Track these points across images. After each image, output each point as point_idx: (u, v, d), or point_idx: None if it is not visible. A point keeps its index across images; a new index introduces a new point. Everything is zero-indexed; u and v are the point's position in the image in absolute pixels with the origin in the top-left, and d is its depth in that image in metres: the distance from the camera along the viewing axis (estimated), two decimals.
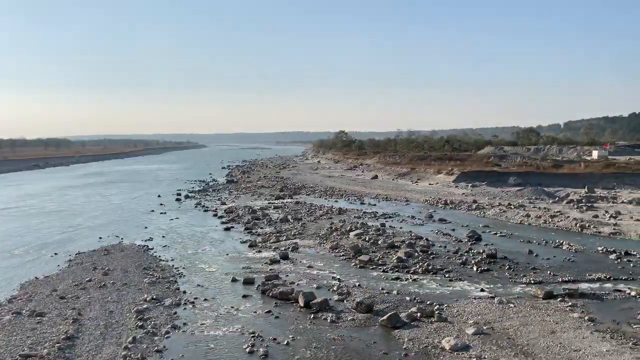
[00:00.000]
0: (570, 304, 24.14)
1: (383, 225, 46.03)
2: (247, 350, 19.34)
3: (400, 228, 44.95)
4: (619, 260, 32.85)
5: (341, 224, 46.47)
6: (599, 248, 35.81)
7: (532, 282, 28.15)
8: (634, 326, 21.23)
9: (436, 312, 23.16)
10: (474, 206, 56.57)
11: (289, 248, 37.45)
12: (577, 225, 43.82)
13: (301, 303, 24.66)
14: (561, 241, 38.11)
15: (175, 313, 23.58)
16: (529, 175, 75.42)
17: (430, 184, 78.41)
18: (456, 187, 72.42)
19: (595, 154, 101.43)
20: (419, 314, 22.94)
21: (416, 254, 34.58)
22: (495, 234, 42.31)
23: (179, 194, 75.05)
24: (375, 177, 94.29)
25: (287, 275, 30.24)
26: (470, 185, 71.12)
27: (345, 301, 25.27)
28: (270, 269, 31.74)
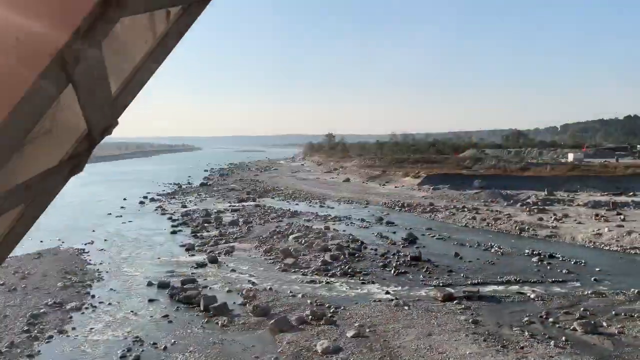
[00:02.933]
0: (464, 306, 24.44)
1: (327, 228, 46.28)
2: (120, 354, 19.57)
3: (343, 231, 45.20)
4: (539, 262, 33.16)
5: (287, 227, 46.70)
6: (527, 251, 36.13)
7: (441, 284, 28.43)
8: (514, 329, 21.53)
9: (328, 315, 23.44)
10: (428, 209, 56.86)
11: (222, 251, 37.70)
12: (517, 228, 44.16)
13: (201, 307, 24.91)
14: (492, 244, 38.42)
15: (70, 317, 23.80)
16: (494, 178, 75.60)
17: (396, 187, 78.77)
18: (419, 189, 72.76)
19: (571, 157, 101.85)
20: (310, 317, 23.20)
21: (342, 256, 34.84)
22: (434, 236, 42.61)
23: (145, 197, 75.17)
24: (347, 179, 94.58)
25: (204, 279, 30.48)
26: (432, 188, 71.47)
27: (247, 305, 25.53)
28: (192, 273, 31.96)
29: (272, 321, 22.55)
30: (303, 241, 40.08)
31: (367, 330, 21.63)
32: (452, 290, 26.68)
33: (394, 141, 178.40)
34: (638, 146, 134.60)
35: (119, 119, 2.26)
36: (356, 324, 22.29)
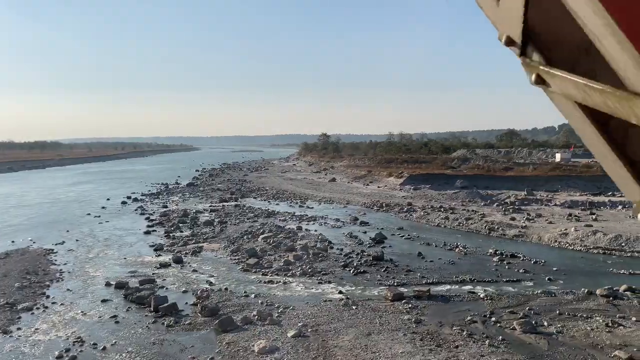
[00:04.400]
0: (411, 306, 24.59)
1: (299, 228, 46.43)
2: (57, 355, 19.69)
3: (315, 231, 45.33)
4: (500, 262, 33.31)
5: (260, 227, 46.84)
6: (490, 250, 36.27)
7: (396, 284, 28.58)
8: (454, 328, 21.67)
9: (275, 315, 23.58)
10: (405, 209, 57.02)
11: (189, 252, 37.84)
12: (487, 227, 44.31)
13: (152, 307, 25.04)
14: (459, 243, 38.57)
15: (19, 318, 23.91)
16: (477, 178, 75.90)
17: (378, 187, 78.94)
18: (401, 189, 72.94)
19: (558, 157, 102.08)
20: (256, 317, 23.34)
21: (306, 256, 34.98)
22: (403, 236, 42.77)
23: (128, 197, 75.29)
24: (333, 179, 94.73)
25: (164, 280, 30.60)
26: (413, 188, 71.65)
27: (198, 305, 25.65)
28: (153, 273, 32.09)
29: (217, 321, 22.71)
30: (271, 241, 40.22)
31: (309, 330, 21.77)
32: (404, 290, 26.84)
33: (388, 141, 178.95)
34: None
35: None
36: (299, 324, 22.43)
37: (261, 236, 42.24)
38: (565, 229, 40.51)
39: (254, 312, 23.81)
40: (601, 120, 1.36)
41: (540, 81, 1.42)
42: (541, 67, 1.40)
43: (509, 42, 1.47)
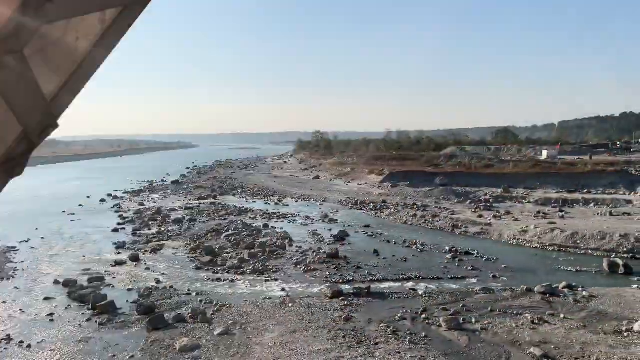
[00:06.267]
0: (347, 303, 24.68)
1: (266, 226, 46.54)
2: None
3: (281, 228, 45.42)
4: (452, 259, 33.38)
5: (228, 224, 46.95)
6: (446, 247, 36.34)
7: (341, 281, 28.68)
8: (381, 325, 21.76)
9: (209, 313, 23.68)
10: (378, 206, 57.11)
11: (149, 250, 37.94)
12: (451, 225, 44.38)
13: (90, 305, 25.15)
14: (418, 240, 38.66)
15: None
16: (457, 176, 75.75)
17: (359, 184, 78.98)
18: (379, 187, 72.96)
19: (545, 154, 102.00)
20: (189, 315, 23.44)
21: (261, 254, 35.08)
22: (366, 233, 42.88)
23: (109, 195, 75.46)
24: (317, 177, 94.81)
25: (113, 277, 30.73)
26: (391, 185, 71.67)
27: (136, 303, 25.76)
28: (105, 271, 32.21)
29: (148, 319, 22.82)
30: (233, 239, 40.33)
31: (238, 328, 21.87)
32: (345, 287, 26.93)
33: (383, 139, 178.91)
34: (619, 143, 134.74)
35: (59, 120, 2.24)
36: (230, 322, 22.53)
37: (225, 234, 42.36)
38: (526, 227, 40.57)
39: (188, 310, 23.91)
40: None
41: None
42: None
43: None
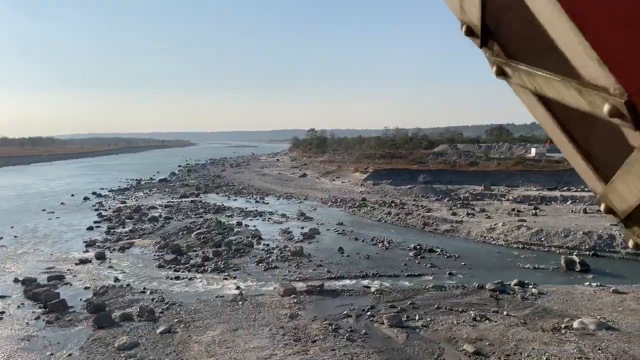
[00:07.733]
0: (297, 300, 24.77)
1: (239, 224, 46.63)
2: None
3: (254, 226, 45.52)
4: (414, 257, 33.48)
5: (202, 223, 47.04)
6: (411, 245, 36.41)
7: (298, 279, 28.77)
8: (324, 323, 21.83)
9: (157, 312, 23.78)
10: (356, 204, 57.18)
11: (118, 248, 38.07)
12: (422, 222, 44.46)
13: (42, 303, 25.24)
14: (385, 238, 38.76)
15: None
16: (441, 174, 75.86)
17: (342, 182, 79.07)
18: (362, 185, 73.04)
19: (533, 152, 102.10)
20: (136, 314, 23.53)
21: (225, 252, 35.19)
22: (337, 231, 42.99)
23: (93, 193, 75.58)
24: (304, 175, 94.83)
25: (74, 276, 30.82)
26: (373, 183, 71.74)
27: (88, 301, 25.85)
28: (68, 270, 32.30)
29: (94, 318, 22.92)
30: (202, 237, 40.43)
31: (181, 326, 21.97)
32: (300, 285, 27.01)
33: (377, 136, 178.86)
34: None
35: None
36: (175, 320, 22.65)
37: (195, 232, 42.44)
38: (495, 224, 40.64)
39: (136, 309, 24.00)
40: (561, 114, 1.35)
41: (501, 73, 1.41)
42: (501, 59, 1.40)
43: (469, 32, 1.46)
